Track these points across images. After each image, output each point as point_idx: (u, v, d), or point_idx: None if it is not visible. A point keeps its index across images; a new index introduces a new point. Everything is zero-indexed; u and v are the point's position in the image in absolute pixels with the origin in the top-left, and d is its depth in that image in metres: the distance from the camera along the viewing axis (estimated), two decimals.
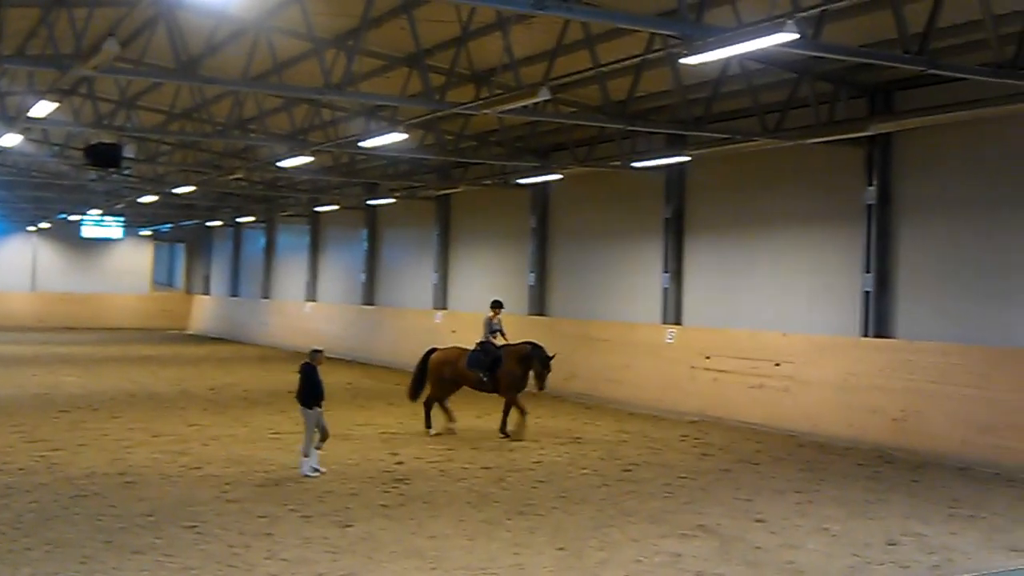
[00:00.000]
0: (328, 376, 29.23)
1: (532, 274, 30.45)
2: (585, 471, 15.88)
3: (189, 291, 60.76)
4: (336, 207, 39.47)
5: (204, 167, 33.10)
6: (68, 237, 55.01)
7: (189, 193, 36.39)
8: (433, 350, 20.05)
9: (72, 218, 50.65)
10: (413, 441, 18.29)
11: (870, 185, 20.31)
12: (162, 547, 10.79)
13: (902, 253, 20.00)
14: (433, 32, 19.22)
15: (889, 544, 11.60)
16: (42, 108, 18.95)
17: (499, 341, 19.64)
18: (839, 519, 12.81)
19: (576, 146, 25.44)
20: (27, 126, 22.97)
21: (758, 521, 12.59)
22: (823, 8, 12.98)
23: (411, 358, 34.22)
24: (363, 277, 40.58)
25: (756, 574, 10.29)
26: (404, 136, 21.28)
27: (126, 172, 33.49)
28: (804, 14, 12.65)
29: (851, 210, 20.81)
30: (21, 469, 14.93)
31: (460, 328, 32.97)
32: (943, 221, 19.30)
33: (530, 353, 18.98)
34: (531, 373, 18.99)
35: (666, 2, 15.78)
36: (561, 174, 26.37)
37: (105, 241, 56.23)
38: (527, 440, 18.62)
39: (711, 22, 14.26)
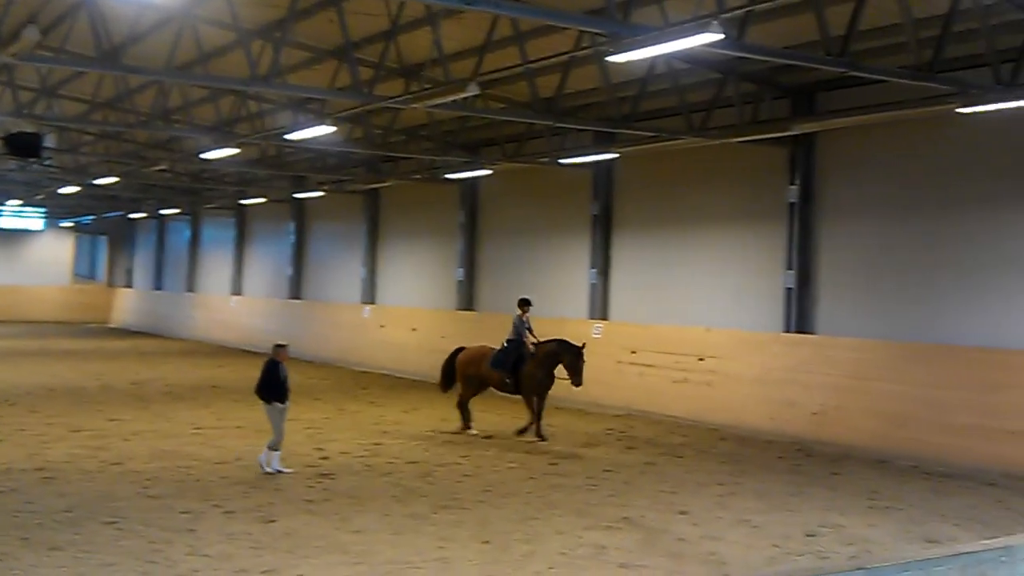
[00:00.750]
0: (255, 371, 28.85)
1: (461, 269, 30.46)
2: (512, 465, 15.95)
3: (111, 284, 59.73)
4: (263, 200, 39.09)
5: (127, 158, 32.58)
6: None
7: (112, 184, 35.76)
8: (460, 349, 19.65)
9: None
10: (338, 436, 18.20)
11: (793, 184, 20.65)
12: (81, 543, 10.63)
13: (823, 251, 20.36)
14: (362, 25, 19.13)
15: (808, 535, 11.82)
16: None
17: (528, 340, 18.82)
18: (760, 511, 13.02)
19: (505, 142, 25.49)
20: None
21: (681, 513, 12.75)
22: (747, 9, 13.19)
23: (338, 353, 34.44)
24: (290, 271, 40.25)
25: (678, 565, 10.43)
26: (332, 129, 21.14)
27: (47, 162, 32.80)
28: (729, 15, 12.83)
29: (774, 209, 21.14)
30: None
31: (389, 323, 32.93)
32: (862, 220, 19.68)
33: (555, 350, 18.29)
34: (560, 371, 18.22)
35: (594, 0, 15.90)
36: (490, 169, 26.41)
37: (25, 232, 55.05)
38: (461, 438, 18.62)
39: (638, 21, 14.39)
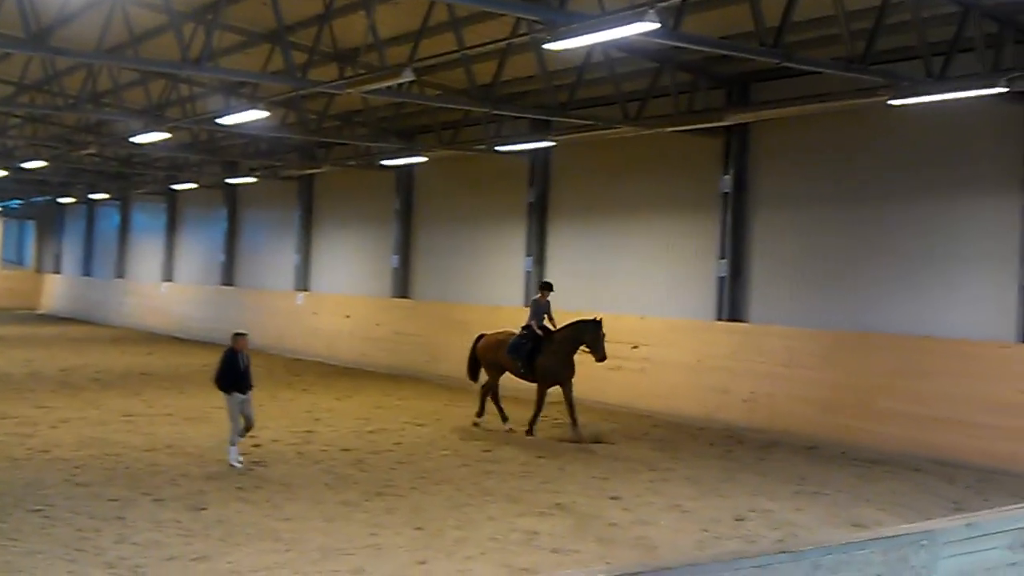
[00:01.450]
0: (186, 358, 28.63)
1: (396, 256, 30.32)
2: (445, 452, 15.94)
3: (39, 270, 58.58)
4: (194, 185, 38.52)
5: (55, 141, 31.93)
6: None
7: (40, 168, 35.04)
8: (482, 336, 19.03)
9: None
10: (271, 424, 18.00)
11: (726, 174, 20.84)
12: (7, 531, 10.45)
13: (755, 240, 20.59)
14: (295, 8, 18.91)
15: (737, 520, 11.97)
16: None
17: (535, 325, 18.04)
18: (691, 496, 13.15)
19: (441, 128, 25.39)
20: None
21: (613, 499, 12.84)
22: None
23: (272, 340, 34.13)
24: (222, 257, 39.78)
25: (609, 550, 10.49)
26: (265, 114, 20.91)
27: None
28: (665, 4, 12.86)
29: (708, 198, 21.32)
30: None
31: (322, 310, 32.72)
32: (794, 210, 19.93)
33: (571, 335, 17.45)
34: (580, 352, 17.46)
35: None
36: (426, 156, 26.30)
37: None
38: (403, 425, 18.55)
39: (575, 9, 14.38)
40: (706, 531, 11.40)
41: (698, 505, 12.68)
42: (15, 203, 54.57)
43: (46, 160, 32.93)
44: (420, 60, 17.49)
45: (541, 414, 17.80)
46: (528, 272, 25.52)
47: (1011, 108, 16.11)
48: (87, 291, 51.58)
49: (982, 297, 16.84)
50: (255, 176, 34.10)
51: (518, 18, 16.94)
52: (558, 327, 17.88)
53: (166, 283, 44.21)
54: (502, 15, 16.94)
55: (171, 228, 44.59)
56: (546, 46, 14.72)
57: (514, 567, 9.73)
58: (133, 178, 42.19)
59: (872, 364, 17.71)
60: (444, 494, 12.86)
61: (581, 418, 17.76)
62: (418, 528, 11.12)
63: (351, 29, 19.43)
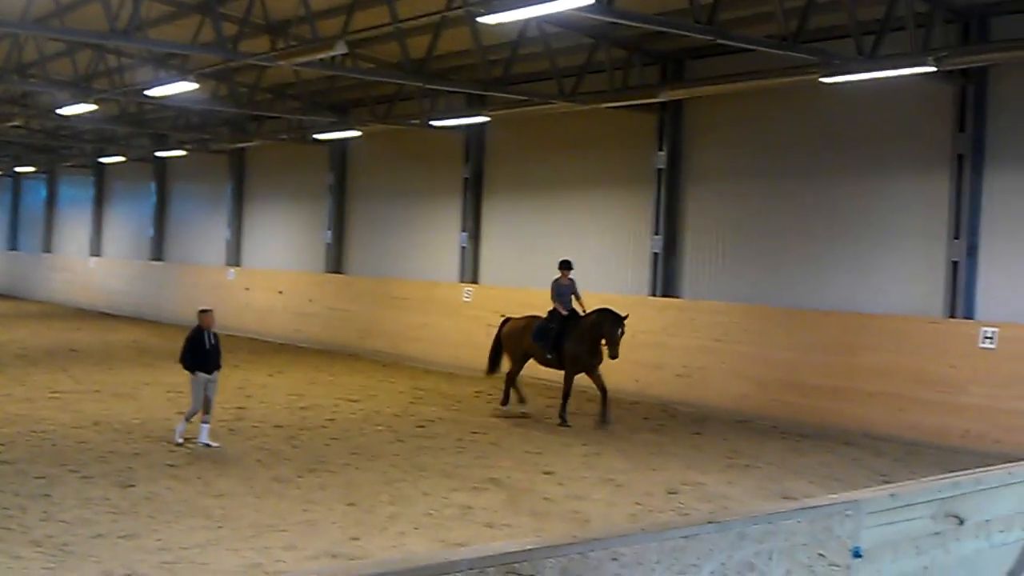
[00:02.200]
0: (114, 334, 28.18)
1: (329, 232, 30.08)
2: (379, 428, 15.88)
3: None
4: (123, 159, 37.86)
5: None
6: None
7: None
8: (507, 320, 18.22)
9: None
10: None
11: (661, 150, 20.93)
12: None
13: (689, 216, 20.72)
14: None
15: (670, 493, 12.07)
16: None
17: (578, 307, 17.06)
18: (624, 470, 13.24)
19: (375, 103, 25.18)
20: None
21: (547, 473, 12.88)
22: None
23: None
24: (152, 232, 39.19)
25: (543, 524, 10.53)
26: (195, 86, 20.58)
27: None
28: None
29: (643, 174, 21.40)
30: None
31: (254, 285, 32.40)
32: (728, 186, 20.08)
33: (597, 321, 16.33)
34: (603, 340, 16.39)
35: None
36: (360, 131, 26.07)
37: None
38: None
39: None
40: (639, 504, 11.49)
41: (631, 479, 12.77)
42: None
43: None
44: (353, 33, 17.32)
45: (564, 399, 16.83)
46: (464, 248, 25.47)
47: (940, 87, 16.35)
48: (13, 266, 50.56)
49: (912, 273, 17.12)
50: (185, 149, 33.60)
51: None
52: (587, 311, 16.83)
53: (94, 258, 43.46)
54: None
55: (99, 202, 43.80)
56: (481, 19, 14.62)
57: (448, 542, 9.72)
58: (60, 151, 41.38)
59: (803, 339, 17.95)
60: (377, 470, 12.81)
61: (516, 395, 17.76)
62: (351, 504, 11.06)
63: (282, 1, 19.15)
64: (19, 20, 18.63)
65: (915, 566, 4.05)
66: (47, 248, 48.06)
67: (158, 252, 38.98)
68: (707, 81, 19.21)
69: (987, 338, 15.52)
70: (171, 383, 19.79)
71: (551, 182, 23.62)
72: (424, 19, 17.72)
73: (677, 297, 20.69)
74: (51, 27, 21.26)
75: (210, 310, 14.63)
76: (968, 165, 16.19)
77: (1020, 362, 15.10)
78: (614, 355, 16.09)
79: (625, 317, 16.13)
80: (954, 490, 4.18)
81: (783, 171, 19.10)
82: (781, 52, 15.29)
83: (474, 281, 25.30)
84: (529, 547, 2.88)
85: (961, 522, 4.22)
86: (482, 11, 13.72)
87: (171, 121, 32.13)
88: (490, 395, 19.71)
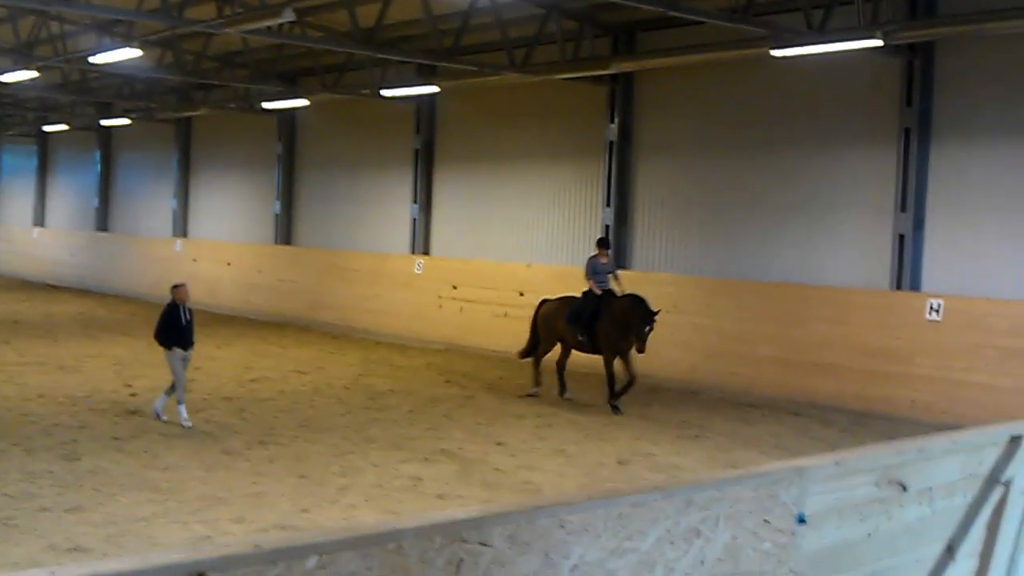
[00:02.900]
0: (59, 305, 27.79)
1: (278, 202, 29.81)
2: (329, 400, 15.81)
3: None
4: (66, 127, 37.26)
5: None
6: None
7: None
8: (544, 302, 17.12)
9: None
10: (148, 372, 17.61)
11: (612, 122, 20.93)
12: None
13: (640, 189, 20.77)
14: None
15: (620, 463, 12.14)
16: None
17: (616, 288, 16.02)
18: (575, 441, 13.29)
19: (324, 72, 24.94)
20: None
21: (498, 445, 12.90)
22: None
23: (148, 287, 33.34)
24: (97, 202, 38.63)
25: (494, 495, 10.55)
26: (140, 53, 20.21)
27: None
28: None
29: (594, 146, 21.40)
30: None
31: (202, 257, 32.08)
32: (678, 159, 20.13)
33: (628, 307, 15.28)
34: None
35: None
36: (309, 100, 25.80)
37: None
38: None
39: None
40: (589, 475, 11.55)
41: (582, 449, 12.83)
42: None
43: None
44: (301, 0, 17.10)
45: (611, 384, 15.66)
46: (415, 219, 25.35)
47: (888, 61, 16.47)
48: None
49: (859, 246, 17.29)
50: (130, 118, 33.07)
51: None
52: (625, 292, 15.82)
53: (38, 228, 42.80)
54: None
55: (42, 171, 43.09)
56: None
57: (399, 513, 9.71)
58: (2, 119, 40.58)
59: (753, 311, 18.09)
60: (327, 442, 12.75)
61: (474, 367, 17.74)
62: (301, 476, 11.01)
63: None
64: None
65: (859, 532, 4.09)
66: None
67: (103, 223, 38.45)
68: (658, 53, 19.22)
69: (933, 310, 15.73)
70: (116, 355, 19.60)
71: (502, 154, 23.55)
72: None
73: (628, 269, 20.74)
74: None
75: (183, 284, 14.34)
76: (915, 139, 16.35)
77: (966, 334, 15.33)
78: (640, 349, 15.09)
79: (656, 313, 15.06)
80: (898, 458, 4.23)
81: (733, 144, 19.18)
82: (732, 25, 15.33)
83: (425, 253, 25.22)
84: (476, 514, 2.87)
85: (905, 489, 4.27)
86: None
87: (116, 89, 31.63)
88: (442, 367, 19.70)
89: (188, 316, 13.85)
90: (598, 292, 15.86)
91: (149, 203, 35.99)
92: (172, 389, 13.62)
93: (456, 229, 24.71)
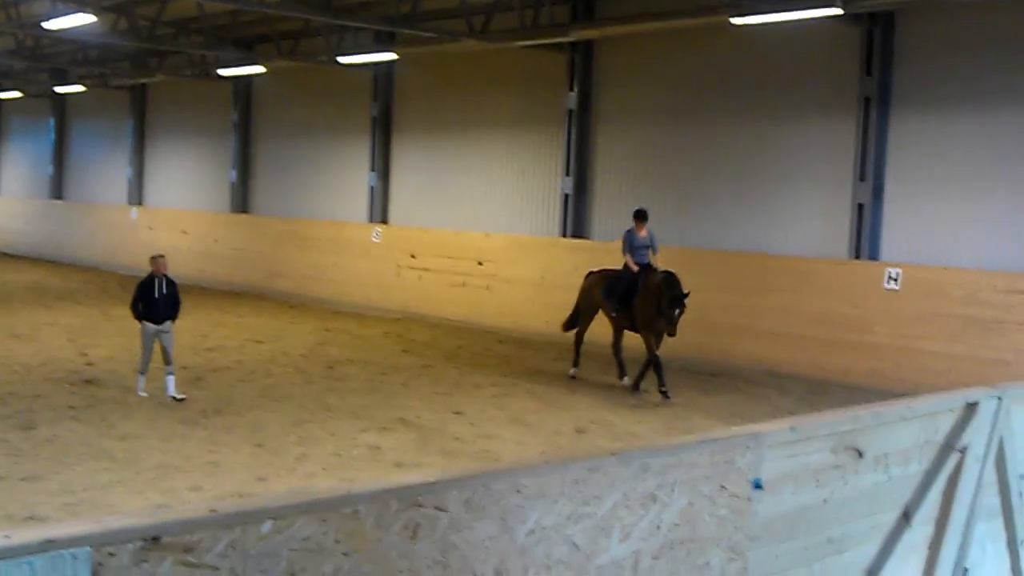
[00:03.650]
0: (12, 274, 27.41)
1: (234, 170, 29.52)
2: (286, 369, 15.72)
3: None
4: (20, 94, 36.62)
5: None
6: None
7: None
8: (590, 274, 16.13)
9: None
10: (103, 342, 17.45)
11: (571, 91, 20.86)
12: None
13: (600, 158, 20.74)
14: None
15: (579, 432, 12.18)
16: None
17: (656, 263, 14.99)
18: (534, 410, 13.31)
19: (281, 39, 24.65)
20: None
21: (457, 414, 12.88)
22: None
23: (104, 256, 33.01)
24: (51, 170, 38.08)
25: (453, 463, 10.54)
26: (93, 19, 19.89)
27: None
28: None
29: (553, 115, 21.33)
30: None
31: (158, 225, 31.77)
32: (638, 128, 20.12)
33: (659, 285, 14.30)
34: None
35: None
36: (265, 67, 25.53)
37: None
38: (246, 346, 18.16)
39: None
40: (548, 443, 11.57)
41: (541, 418, 12.85)
42: None
43: None
44: None
45: (645, 367, 14.78)
46: (373, 188, 25.20)
47: (848, 30, 16.51)
48: None
49: (818, 215, 17.38)
50: (85, 85, 32.59)
51: None
52: (659, 270, 14.80)
53: None
54: None
55: None
56: None
57: (356, 482, 9.69)
58: None
59: (712, 280, 18.12)
60: (285, 411, 12.68)
61: (432, 336, 17.68)
62: (258, 445, 10.95)
63: None
64: None
65: (815, 498, 4.11)
66: None
67: (58, 191, 37.95)
68: (618, 21, 19.15)
69: (891, 279, 15.87)
70: (71, 324, 19.39)
71: (461, 122, 23.43)
72: None
73: (588, 239, 20.76)
74: None
75: (162, 256, 13.72)
76: (874, 108, 16.42)
77: (924, 302, 15.48)
78: (671, 333, 14.32)
79: (686, 295, 14.13)
80: (854, 424, 4.25)
81: (693, 113, 19.18)
82: None
83: (383, 221, 25.09)
84: (432, 479, 2.85)
85: (860, 455, 4.29)
86: None
87: (70, 55, 31.13)
88: (400, 336, 19.63)
89: (164, 289, 13.28)
90: (635, 268, 14.88)
91: (104, 171, 35.54)
92: (146, 366, 13.18)
93: (414, 198, 24.59)
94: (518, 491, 2.99)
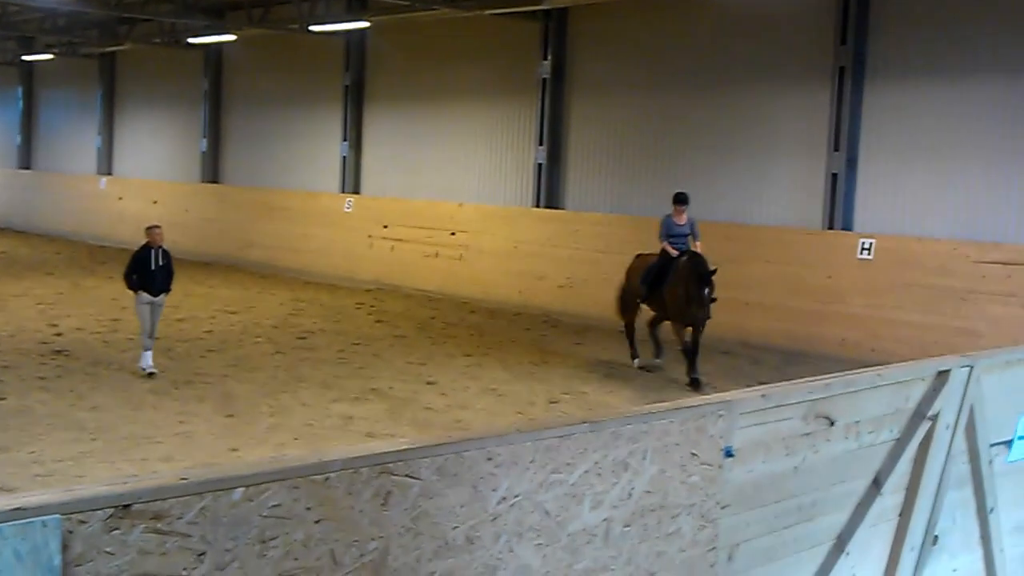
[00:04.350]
0: None
1: (204, 140, 29.26)
2: (258, 340, 15.66)
3: None
4: None
5: None
6: None
7: None
8: (639, 256, 15.11)
9: None
10: (74, 312, 17.32)
11: (545, 59, 20.76)
12: None
13: (573, 127, 20.68)
14: None
15: (551, 402, 12.20)
16: None
17: (698, 250, 13.89)
18: (506, 380, 13.32)
19: (252, 6, 24.37)
20: None
21: (429, 384, 12.88)
22: None
23: (74, 226, 32.72)
24: (19, 139, 37.64)
25: (425, 433, 10.52)
26: None
27: None
28: None
29: (527, 84, 21.22)
30: None
31: (127, 195, 31.50)
32: (612, 98, 20.05)
33: (686, 266, 13.51)
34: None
35: None
36: (236, 35, 25.25)
37: None
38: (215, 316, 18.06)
39: None
40: (520, 413, 11.59)
41: (513, 388, 12.86)
42: None
43: None
44: None
45: (690, 354, 13.75)
46: (345, 158, 25.05)
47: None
48: None
49: (792, 186, 17.40)
50: (53, 53, 32.17)
51: None
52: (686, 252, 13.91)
53: None
54: None
55: None
56: None
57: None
58: None
59: None
60: (257, 381, 12.64)
61: (404, 307, 17.64)
62: (230, 416, 10.91)
63: None
64: None
65: (786, 465, 4.12)
66: None
67: (26, 160, 37.52)
68: None
69: (864, 249, 15.94)
70: (41, 295, 19.23)
71: (434, 91, 23.28)
72: None
73: (560, 208, 20.73)
74: None
75: (158, 226, 13.40)
76: (849, 78, 16.42)
77: (896, 272, 15.56)
78: (704, 316, 13.42)
79: (712, 272, 13.25)
80: (825, 392, 4.26)
81: (668, 83, 19.14)
82: None
83: (355, 192, 24.96)
84: (404, 447, 2.84)
85: (831, 423, 4.30)
86: None
87: (37, 23, 30.62)
88: (372, 307, 19.59)
89: (161, 260, 12.97)
90: (673, 253, 13.85)
91: (73, 140, 35.15)
92: (149, 337, 12.88)
93: (387, 167, 24.46)
94: (490, 459, 2.98)
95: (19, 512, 2.20)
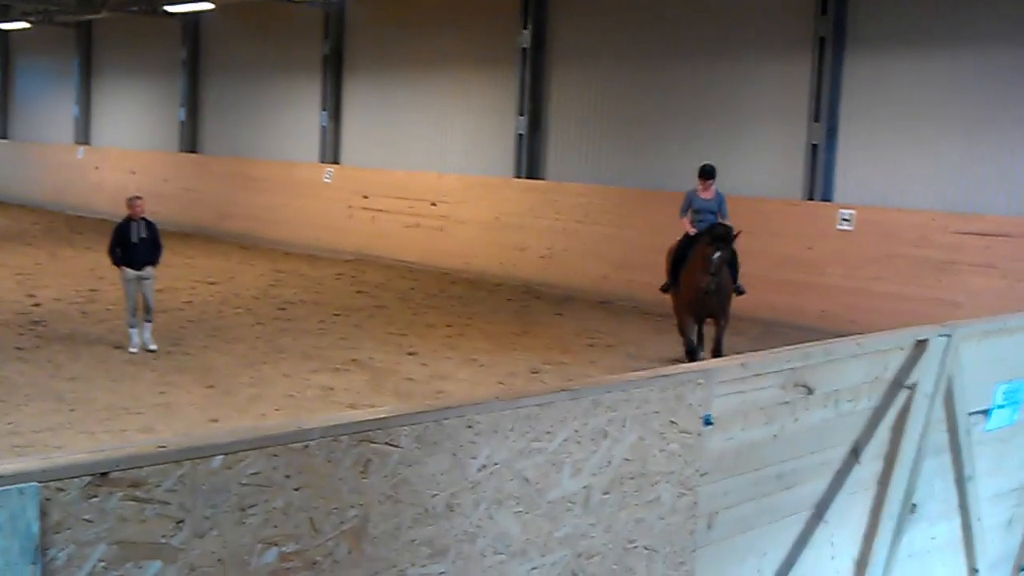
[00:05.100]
0: None
1: (182, 109, 29.03)
2: (238, 310, 15.61)
3: None
4: None
5: None
6: None
7: None
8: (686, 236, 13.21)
9: None
10: (51, 282, 17.22)
11: (525, 28, 20.66)
12: None
13: (554, 97, 20.61)
14: None
15: (532, 373, 12.22)
16: None
17: (687, 226, 12.90)
18: (487, 351, 13.33)
19: None
20: None
21: (410, 354, 12.88)
22: None
23: (51, 196, 32.49)
24: None
25: (406, 403, 10.54)
26: None
27: None
28: None
29: (507, 54, 21.12)
30: None
31: (105, 165, 31.28)
32: (592, 68, 19.99)
33: (702, 241, 12.10)
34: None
35: None
36: (214, 3, 25.00)
37: None
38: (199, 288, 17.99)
39: None
40: (502, 384, 11.60)
41: (494, 359, 12.87)
42: None
43: None
44: None
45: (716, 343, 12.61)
46: (324, 127, 24.91)
47: None
48: None
49: (772, 155, 17.41)
50: (29, 21, 31.77)
51: None
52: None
53: None
54: None
55: None
56: None
57: None
58: None
59: (664, 221, 18.09)
60: (237, 352, 12.61)
61: (385, 277, 17.59)
62: (210, 386, 10.89)
63: None
64: None
65: (764, 434, 4.14)
66: None
67: (2, 130, 37.19)
68: None
69: (844, 220, 15.98)
70: (18, 265, 19.11)
71: (414, 61, 23.15)
72: None
73: (541, 179, 20.70)
74: None
75: (139, 197, 13.04)
76: (829, 48, 16.40)
77: (876, 243, 15.60)
78: (710, 285, 11.85)
79: (736, 235, 11.90)
80: (804, 360, 4.27)
81: (648, 53, 19.08)
82: None
83: (335, 162, 24.84)
84: (383, 415, 2.83)
85: (810, 392, 4.32)
86: None
87: None
88: (352, 277, 19.54)
89: (143, 233, 12.67)
90: (693, 232, 12.63)
91: (50, 109, 34.83)
92: (133, 314, 12.64)
93: (366, 137, 24.35)
94: (469, 427, 2.99)
95: None
